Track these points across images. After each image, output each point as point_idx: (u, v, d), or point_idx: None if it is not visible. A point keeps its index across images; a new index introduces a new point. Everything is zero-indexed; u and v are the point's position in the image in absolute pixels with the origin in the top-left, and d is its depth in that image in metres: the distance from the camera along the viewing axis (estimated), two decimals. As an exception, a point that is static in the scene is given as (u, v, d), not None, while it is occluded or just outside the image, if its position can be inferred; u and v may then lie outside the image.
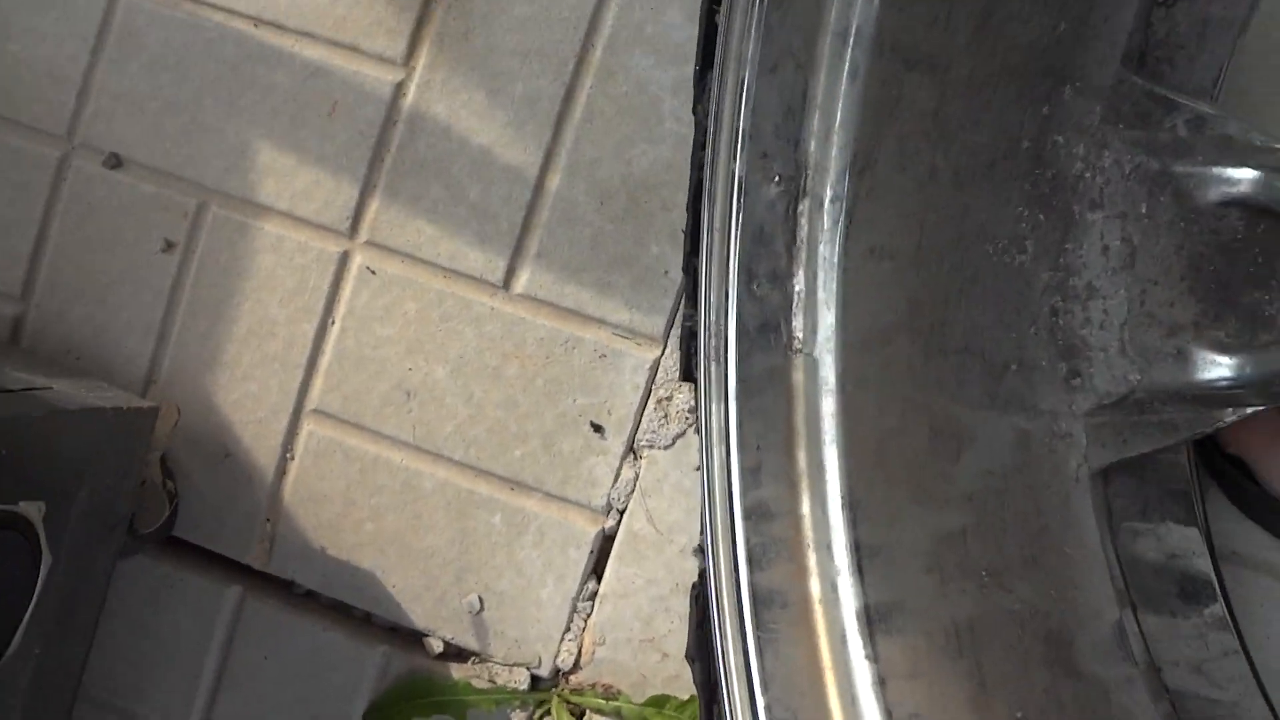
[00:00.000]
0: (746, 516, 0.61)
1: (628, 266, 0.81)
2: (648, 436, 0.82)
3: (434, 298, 0.83)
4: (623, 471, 0.82)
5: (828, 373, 0.61)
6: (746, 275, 0.62)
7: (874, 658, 0.59)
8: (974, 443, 0.62)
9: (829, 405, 0.61)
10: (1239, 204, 0.60)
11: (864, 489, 0.60)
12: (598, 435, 0.82)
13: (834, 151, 0.60)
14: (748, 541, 0.61)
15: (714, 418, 0.62)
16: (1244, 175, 0.60)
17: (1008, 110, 0.61)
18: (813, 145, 0.61)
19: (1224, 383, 0.60)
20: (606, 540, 0.83)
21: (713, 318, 0.63)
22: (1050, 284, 0.63)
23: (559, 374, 0.82)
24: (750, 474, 0.61)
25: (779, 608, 0.60)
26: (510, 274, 0.82)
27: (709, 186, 0.63)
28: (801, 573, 0.60)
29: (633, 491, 0.82)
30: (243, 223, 0.84)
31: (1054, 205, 0.62)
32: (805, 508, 0.61)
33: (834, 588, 0.60)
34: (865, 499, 0.60)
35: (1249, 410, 0.61)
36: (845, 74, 0.59)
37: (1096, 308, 0.63)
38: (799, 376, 0.61)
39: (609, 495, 0.82)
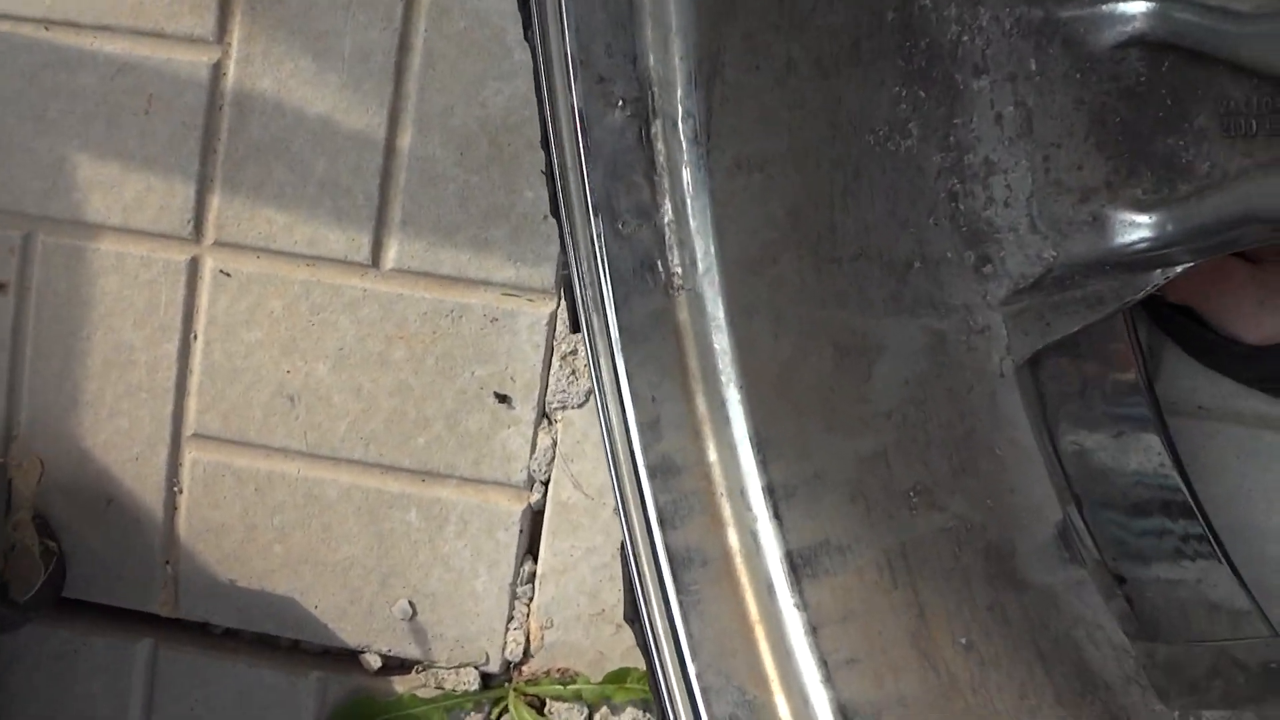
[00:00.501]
0: (652, 474, 0.57)
1: (503, 218, 0.74)
2: (558, 397, 0.76)
3: (300, 290, 0.76)
4: (539, 440, 0.76)
5: (714, 307, 0.57)
6: (610, 214, 0.57)
7: (803, 605, 0.55)
8: (884, 354, 0.58)
9: (721, 341, 0.56)
10: (1137, 42, 0.54)
11: (772, 425, 0.56)
12: (504, 406, 0.76)
13: (676, 62, 0.55)
14: (657, 500, 0.57)
15: (604, 372, 0.57)
16: (1138, 9, 0.54)
17: (862, -20, 0.55)
18: (652, 59, 0.55)
19: (1146, 244, 0.55)
20: (535, 516, 0.77)
21: (584, 265, 0.58)
22: (944, 166, 0.58)
23: (450, 348, 0.76)
24: (649, 428, 0.57)
25: (699, 566, 0.56)
26: (377, 249, 0.76)
27: (552, 122, 0.57)
28: (718, 525, 0.56)
29: (553, 459, 0.76)
30: (76, 246, 0.77)
31: (933, 78, 0.57)
32: (712, 455, 0.56)
33: (753, 536, 0.56)
34: (774, 435, 0.56)
35: (1178, 269, 0.56)
36: (670, -28, 0.54)
37: (998, 184, 0.58)
38: (684, 315, 0.57)
39: (529, 467, 0.76)
